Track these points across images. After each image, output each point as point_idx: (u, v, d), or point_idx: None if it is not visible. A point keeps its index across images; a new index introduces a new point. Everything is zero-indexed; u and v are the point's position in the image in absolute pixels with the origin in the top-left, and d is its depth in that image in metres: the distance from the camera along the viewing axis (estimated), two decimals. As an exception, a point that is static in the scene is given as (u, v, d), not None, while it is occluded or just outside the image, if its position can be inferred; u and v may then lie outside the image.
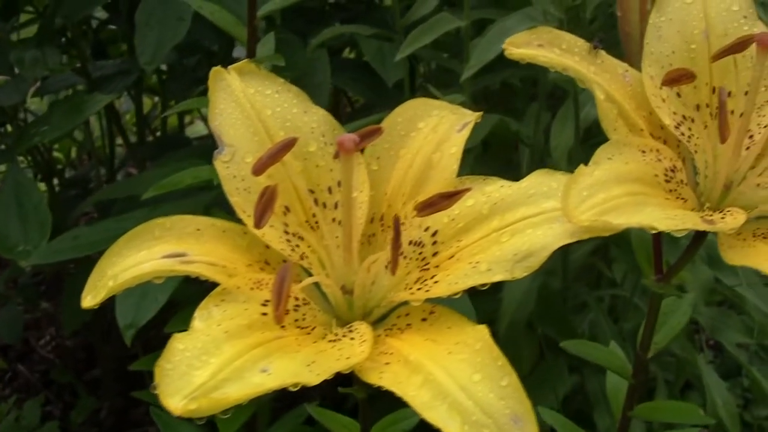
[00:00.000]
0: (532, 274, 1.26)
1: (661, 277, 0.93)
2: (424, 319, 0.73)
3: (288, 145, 0.74)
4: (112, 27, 1.61)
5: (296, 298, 0.76)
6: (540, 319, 1.29)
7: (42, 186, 1.59)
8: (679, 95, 0.85)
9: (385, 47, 1.28)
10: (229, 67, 0.83)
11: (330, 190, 0.81)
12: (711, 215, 0.78)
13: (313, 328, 0.74)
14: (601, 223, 0.70)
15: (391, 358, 0.70)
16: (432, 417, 0.63)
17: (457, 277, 0.73)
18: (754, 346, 1.47)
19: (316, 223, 0.80)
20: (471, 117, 0.84)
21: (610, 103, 0.83)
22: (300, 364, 0.67)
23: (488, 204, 0.76)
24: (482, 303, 1.29)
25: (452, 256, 0.76)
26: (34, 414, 1.55)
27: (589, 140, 1.24)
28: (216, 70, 0.82)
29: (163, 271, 0.74)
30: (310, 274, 0.79)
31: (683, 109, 0.85)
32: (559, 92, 1.36)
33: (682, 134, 0.84)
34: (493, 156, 1.45)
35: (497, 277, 0.71)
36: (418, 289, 0.74)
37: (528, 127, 1.30)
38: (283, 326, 0.73)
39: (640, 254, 0.95)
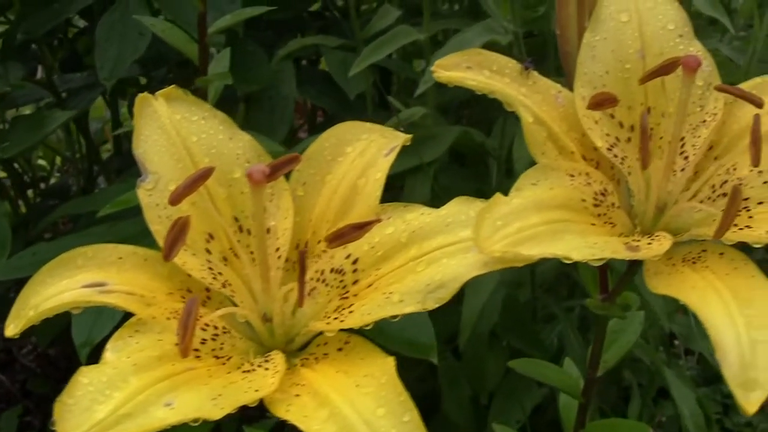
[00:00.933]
0: (494, 285, 1.26)
1: (606, 297, 0.92)
2: (340, 349, 0.73)
3: (204, 175, 0.74)
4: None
5: (215, 327, 0.76)
6: (506, 331, 1.28)
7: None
8: (612, 116, 0.84)
9: (349, 59, 1.27)
10: (157, 93, 0.83)
11: (255, 217, 0.80)
12: (638, 241, 0.77)
13: (230, 358, 0.74)
14: (512, 255, 0.69)
15: (302, 390, 0.69)
16: (334, 452, 0.63)
17: (371, 307, 0.72)
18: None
19: (241, 250, 0.80)
20: (399, 140, 0.83)
21: (539, 125, 0.82)
22: (205, 397, 0.67)
23: (407, 232, 0.76)
24: (447, 315, 1.28)
25: (371, 285, 0.75)
26: (12, 424, 1.56)
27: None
28: (142, 97, 0.82)
29: (82, 302, 0.75)
30: (234, 302, 0.79)
31: (617, 130, 0.84)
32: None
33: (615, 156, 0.83)
34: (467, 166, 1.45)
35: (408, 309, 0.71)
36: (335, 318, 0.74)
37: (495, 139, 1.29)
38: (198, 356, 0.73)
39: (585, 272, 0.94)
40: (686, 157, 0.84)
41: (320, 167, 0.83)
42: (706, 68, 0.86)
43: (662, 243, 0.76)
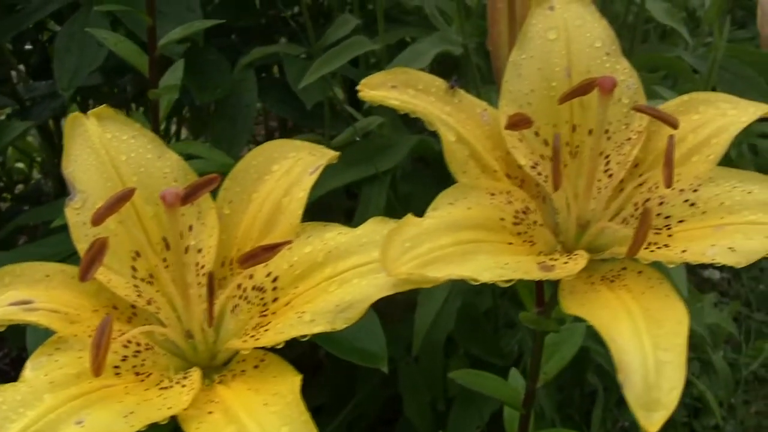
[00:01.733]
0: (447, 293, 1.27)
1: (541, 310, 0.93)
2: (256, 366, 0.75)
3: (125, 196, 0.76)
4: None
5: (137, 344, 0.78)
6: (464, 339, 1.29)
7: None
8: (537, 134, 0.85)
9: (308, 68, 1.28)
10: (89, 112, 0.85)
11: (181, 234, 0.82)
12: (556, 259, 0.78)
13: (150, 375, 0.76)
14: (418, 276, 0.70)
15: (215, 407, 0.71)
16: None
17: (284, 326, 0.74)
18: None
19: (166, 267, 0.81)
20: (326, 158, 0.84)
21: (462, 144, 0.82)
22: (117, 415, 0.69)
23: (324, 251, 0.77)
24: (407, 322, 1.29)
25: (288, 303, 0.77)
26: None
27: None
28: (74, 116, 0.84)
29: (7, 320, 0.76)
30: (160, 319, 0.80)
31: (542, 148, 0.85)
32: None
33: (539, 174, 0.83)
34: (432, 169, 1.46)
35: (318, 329, 0.72)
36: (251, 336, 0.75)
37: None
38: (118, 373, 0.75)
39: (521, 285, 0.94)
40: (611, 175, 0.84)
41: (246, 186, 0.84)
42: (632, 86, 0.86)
43: (577, 262, 0.77)
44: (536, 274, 0.74)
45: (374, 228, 0.77)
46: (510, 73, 0.86)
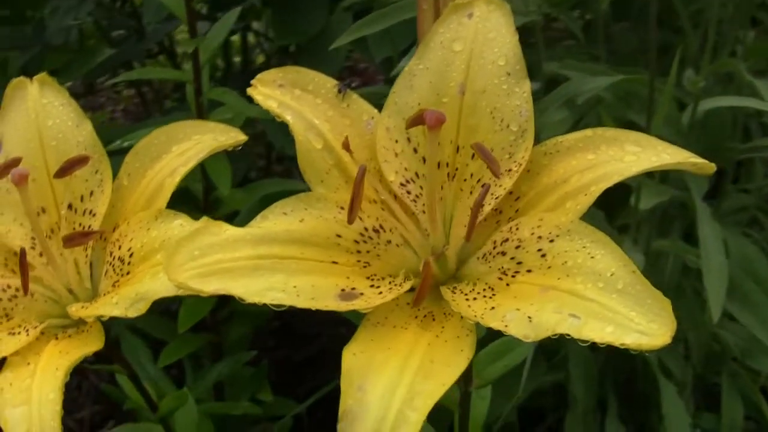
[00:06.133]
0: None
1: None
2: (84, 331, 0.83)
3: (10, 164, 0.84)
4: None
5: (16, 289, 0.87)
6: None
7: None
8: (416, 150, 0.81)
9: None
10: (34, 78, 0.93)
11: (82, 198, 0.89)
12: (377, 287, 0.76)
13: (11, 319, 0.86)
14: (185, 287, 0.71)
15: (34, 360, 0.82)
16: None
17: (102, 303, 0.80)
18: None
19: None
20: (227, 143, 0.86)
21: (328, 152, 0.81)
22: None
23: (162, 239, 0.81)
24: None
25: (129, 281, 0.82)
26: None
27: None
28: (18, 80, 0.93)
29: None
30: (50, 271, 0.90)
31: (418, 165, 0.81)
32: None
33: (408, 192, 0.80)
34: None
35: (115, 312, 0.78)
36: (90, 305, 0.82)
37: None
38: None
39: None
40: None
41: (145, 162, 0.89)
42: (524, 113, 0.79)
43: (385, 295, 0.74)
44: (329, 303, 0.72)
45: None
46: (401, 83, 0.82)
